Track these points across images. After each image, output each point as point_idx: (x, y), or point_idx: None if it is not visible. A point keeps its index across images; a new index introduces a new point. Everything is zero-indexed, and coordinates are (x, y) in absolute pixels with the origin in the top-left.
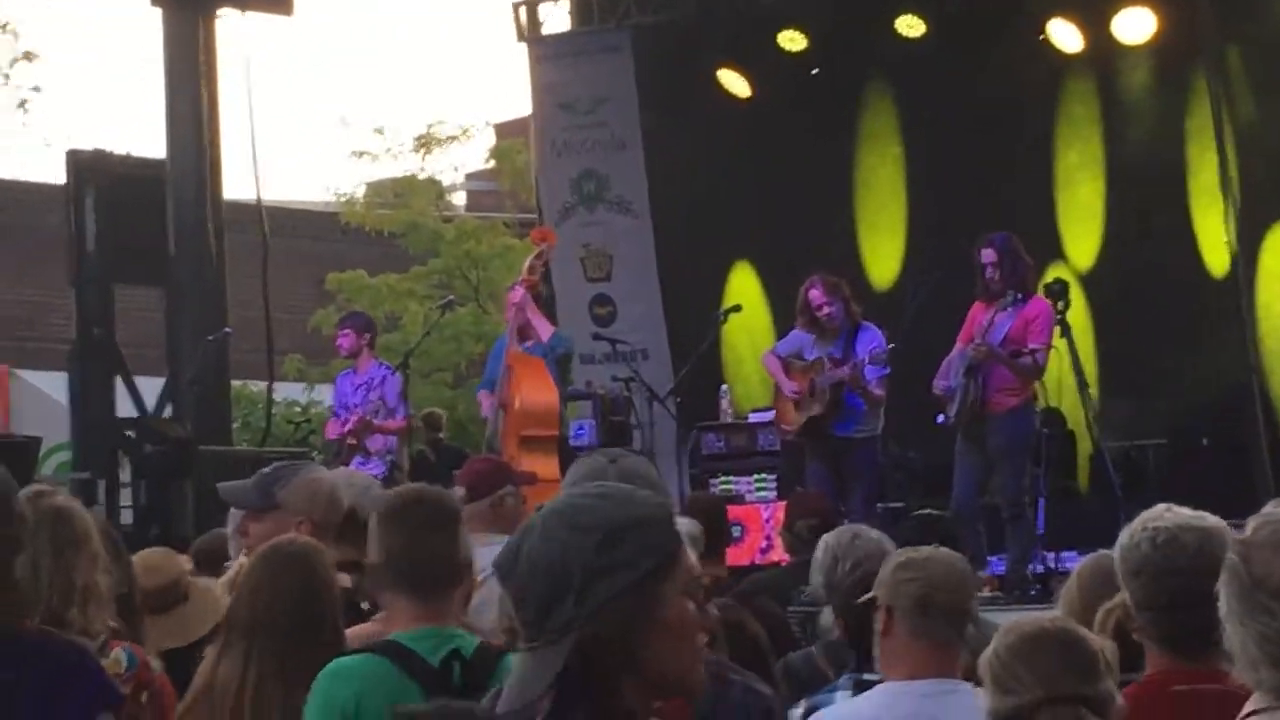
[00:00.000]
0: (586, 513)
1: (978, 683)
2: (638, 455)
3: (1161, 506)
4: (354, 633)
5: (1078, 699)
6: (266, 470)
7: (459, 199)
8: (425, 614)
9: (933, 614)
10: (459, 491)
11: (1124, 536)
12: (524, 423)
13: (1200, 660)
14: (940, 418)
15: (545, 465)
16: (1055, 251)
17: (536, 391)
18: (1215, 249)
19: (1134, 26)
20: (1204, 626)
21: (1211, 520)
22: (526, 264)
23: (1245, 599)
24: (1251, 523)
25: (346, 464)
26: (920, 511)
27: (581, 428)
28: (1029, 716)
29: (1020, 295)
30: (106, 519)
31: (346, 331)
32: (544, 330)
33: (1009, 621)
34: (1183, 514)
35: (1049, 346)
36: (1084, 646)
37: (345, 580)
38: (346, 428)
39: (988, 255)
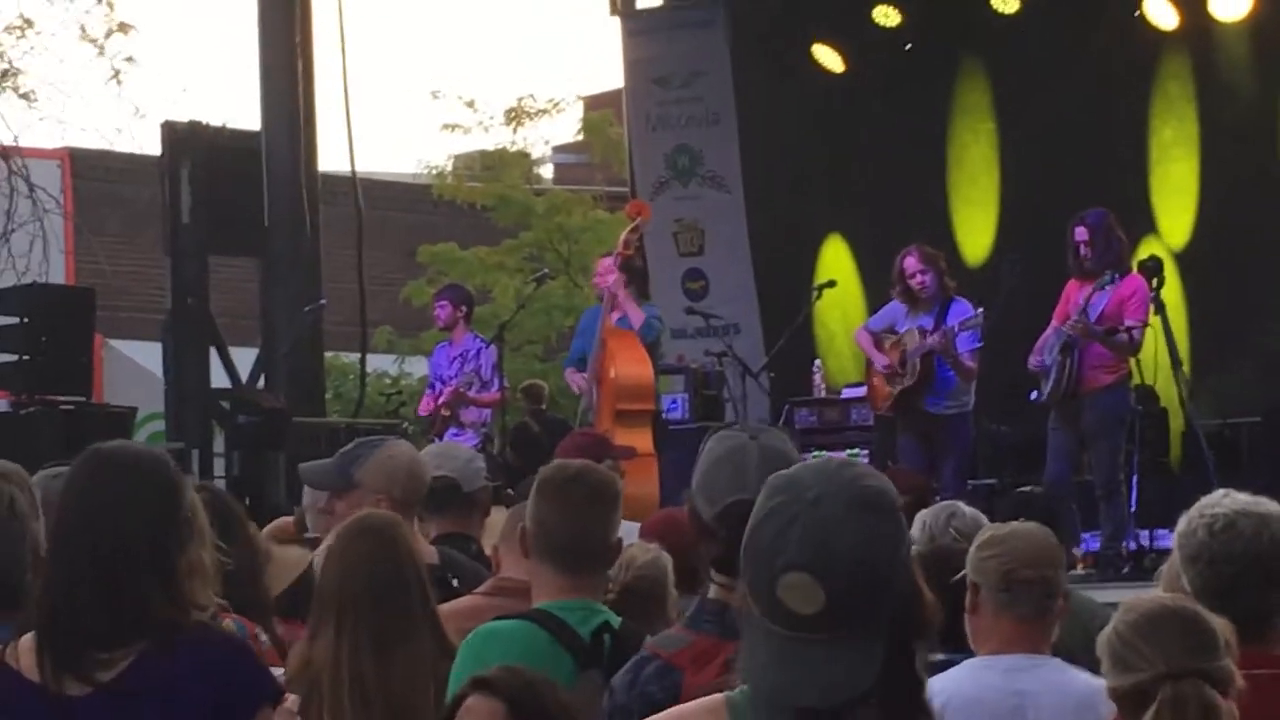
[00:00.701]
0: (874, 495)
1: (1068, 657)
2: (774, 429)
3: (1219, 492)
4: (448, 609)
5: (1200, 674)
6: (346, 449)
7: (547, 172)
8: (575, 587)
9: (1016, 590)
10: None
11: (1181, 524)
12: (619, 397)
13: (1261, 643)
14: (1034, 394)
15: (641, 439)
16: (1150, 228)
17: (631, 365)
18: None
19: (1231, 3)
20: (1265, 611)
21: (1269, 505)
22: (622, 238)
23: None
24: None
25: (440, 436)
26: (1018, 488)
27: (674, 402)
28: (1151, 692)
29: (1115, 273)
30: (229, 493)
31: (444, 303)
32: (635, 318)
33: (1128, 600)
34: (1240, 499)
35: (1145, 324)
36: (1204, 624)
37: (433, 555)
38: (441, 400)
39: (1080, 233)
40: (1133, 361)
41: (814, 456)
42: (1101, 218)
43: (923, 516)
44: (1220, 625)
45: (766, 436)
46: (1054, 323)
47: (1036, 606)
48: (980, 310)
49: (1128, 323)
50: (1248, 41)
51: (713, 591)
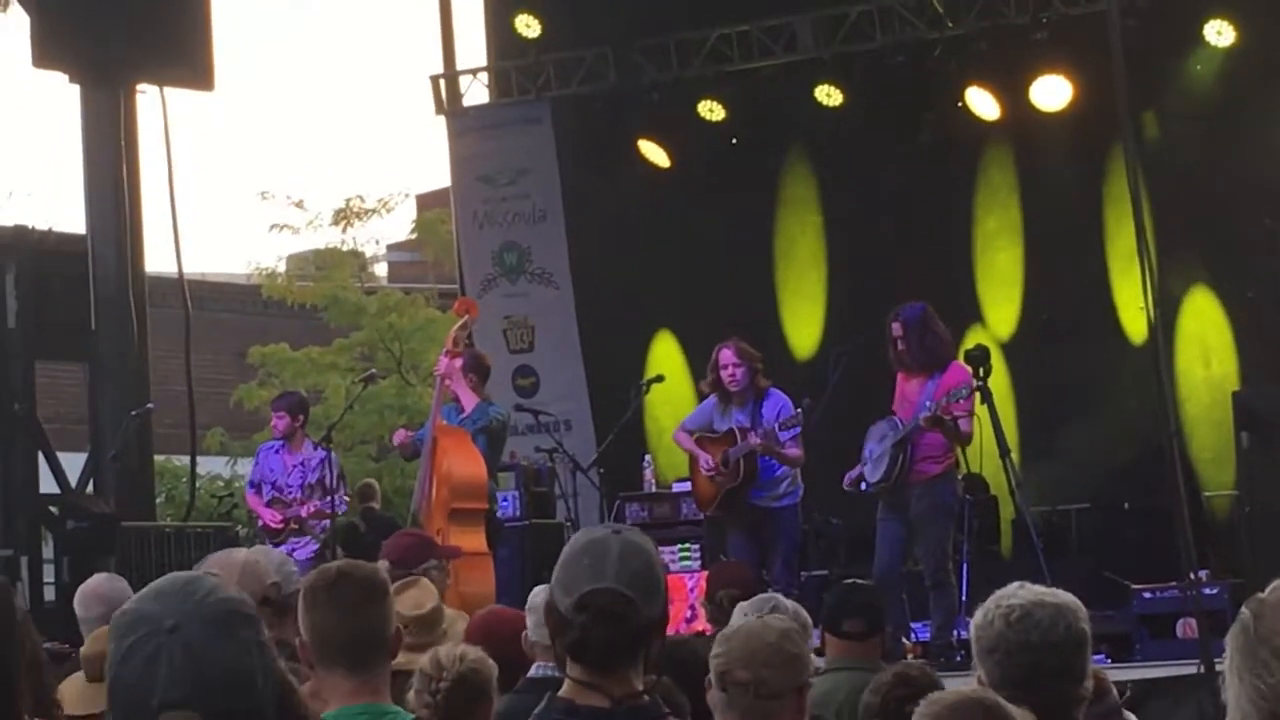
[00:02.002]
0: (233, 606)
1: None
2: (638, 534)
3: (1015, 585)
4: None
5: None
6: None
7: (381, 269)
8: (360, 688)
9: (732, 690)
10: (384, 565)
11: (978, 616)
12: (454, 495)
13: None
14: (848, 479)
15: (475, 538)
16: (975, 317)
17: (465, 463)
18: (1133, 314)
19: (1051, 94)
20: (1064, 700)
21: (1064, 595)
22: (451, 335)
23: (1248, 654)
24: (1272, 585)
25: (282, 544)
26: (847, 580)
27: (505, 499)
28: None
29: (938, 367)
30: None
31: (281, 414)
32: (468, 401)
33: (930, 695)
34: (1035, 590)
35: (971, 413)
36: (1005, 715)
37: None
38: (293, 514)
39: (895, 329)
40: (960, 450)
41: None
42: (916, 313)
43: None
44: (1021, 716)
45: (628, 532)
46: (898, 414)
47: (750, 708)
48: (799, 410)
49: (954, 413)
50: (1069, 131)
51: (565, 689)
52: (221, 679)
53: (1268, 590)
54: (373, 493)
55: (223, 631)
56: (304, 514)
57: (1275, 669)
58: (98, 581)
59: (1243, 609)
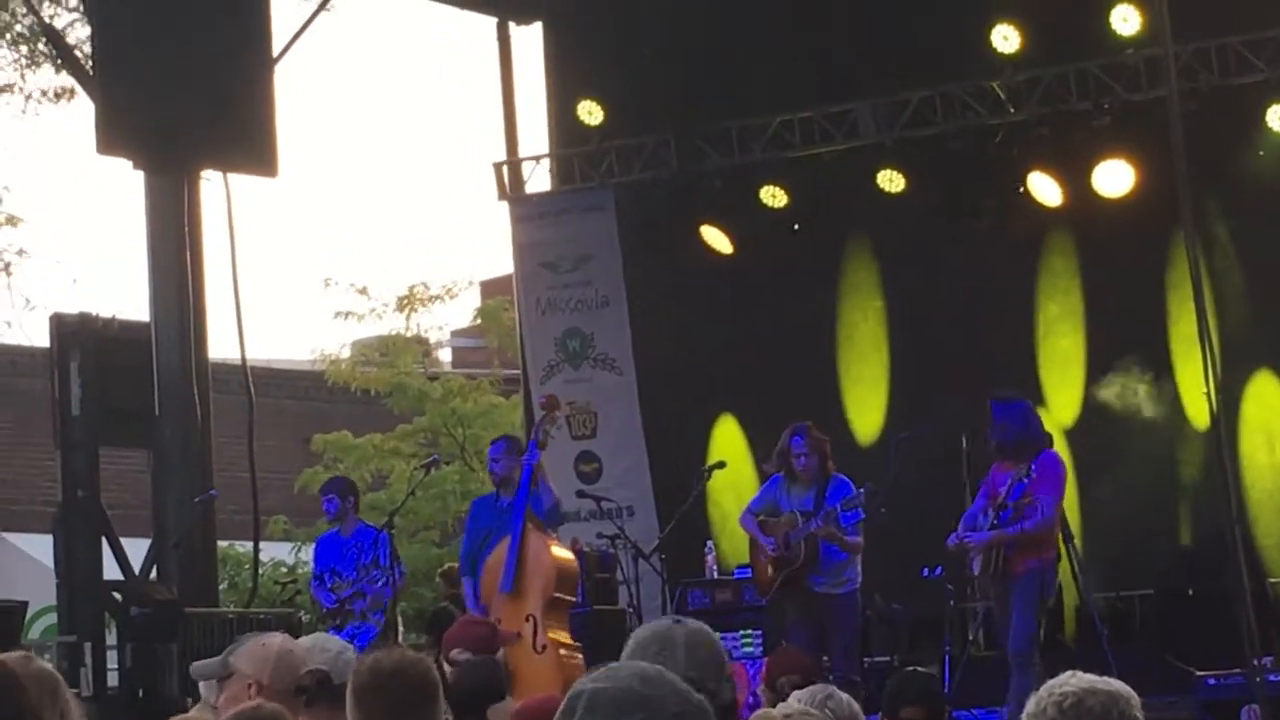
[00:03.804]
0: (631, 704)
1: None
2: (699, 623)
3: (1067, 673)
4: None
5: None
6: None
7: (444, 355)
8: None
9: None
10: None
11: (1031, 704)
12: (558, 584)
13: None
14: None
15: (565, 628)
16: (1037, 402)
17: (565, 552)
18: (1196, 399)
19: (1113, 179)
20: None
21: (1117, 684)
22: (544, 433)
23: None
24: None
25: (342, 629)
26: (908, 667)
27: None
28: None
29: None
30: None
31: (331, 497)
32: (548, 498)
33: None
34: (1087, 679)
35: (1059, 498)
36: None
37: None
38: (345, 595)
39: (996, 416)
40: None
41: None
42: (1019, 408)
43: (798, 696)
44: None
45: (689, 622)
46: (980, 500)
47: None
48: (861, 490)
49: (1038, 496)
50: (1131, 216)
51: None
52: None
53: None
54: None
55: None
56: (345, 596)
57: None
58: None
59: None
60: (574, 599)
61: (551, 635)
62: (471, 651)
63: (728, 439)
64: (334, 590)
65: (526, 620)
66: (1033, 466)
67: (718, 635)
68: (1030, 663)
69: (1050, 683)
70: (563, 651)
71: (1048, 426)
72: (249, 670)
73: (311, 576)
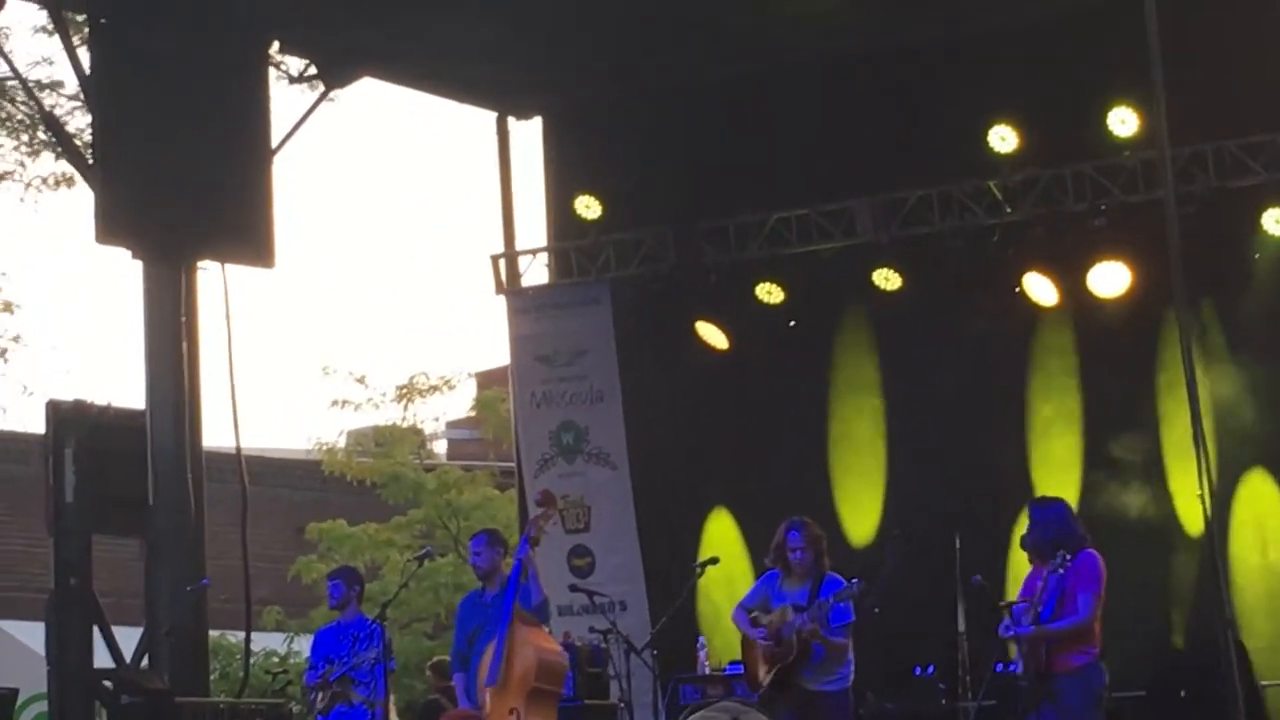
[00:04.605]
0: None
1: None
2: (753, 709)
3: None
4: None
5: None
6: None
7: (440, 446)
8: None
9: None
10: None
11: None
12: (541, 675)
13: None
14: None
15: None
16: None
17: (552, 644)
18: (1189, 501)
19: (1109, 280)
20: None
21: None
22: (538, 529)
23: None
24: None
25: (328, 712)
26: None
27: None
28: None
29: (1068, 555)
30: None
31: (338, 582)
32: (537, 593)
33: None
34: None
35: (1099, 594)
36: None
37: None
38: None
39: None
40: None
41: None
42: (1058, 510)
43: None
44: None
45: (748, 716)
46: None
47: None
48: (854, 581)
49: (1077, 595)
50: (1127, 317)
51: None
52: None
53: None
54: (448, 670)
55: None
56: (332, 678)
57: None
58: None
59: None
60: (559, 690)
61: None
62: None
63: (720, 533)
64: (323, 676)
65: (510, 714)
66: (1069, 559)
67: None
68: None
69: None
70: None
71: None
72: None
73: (306, 668)
